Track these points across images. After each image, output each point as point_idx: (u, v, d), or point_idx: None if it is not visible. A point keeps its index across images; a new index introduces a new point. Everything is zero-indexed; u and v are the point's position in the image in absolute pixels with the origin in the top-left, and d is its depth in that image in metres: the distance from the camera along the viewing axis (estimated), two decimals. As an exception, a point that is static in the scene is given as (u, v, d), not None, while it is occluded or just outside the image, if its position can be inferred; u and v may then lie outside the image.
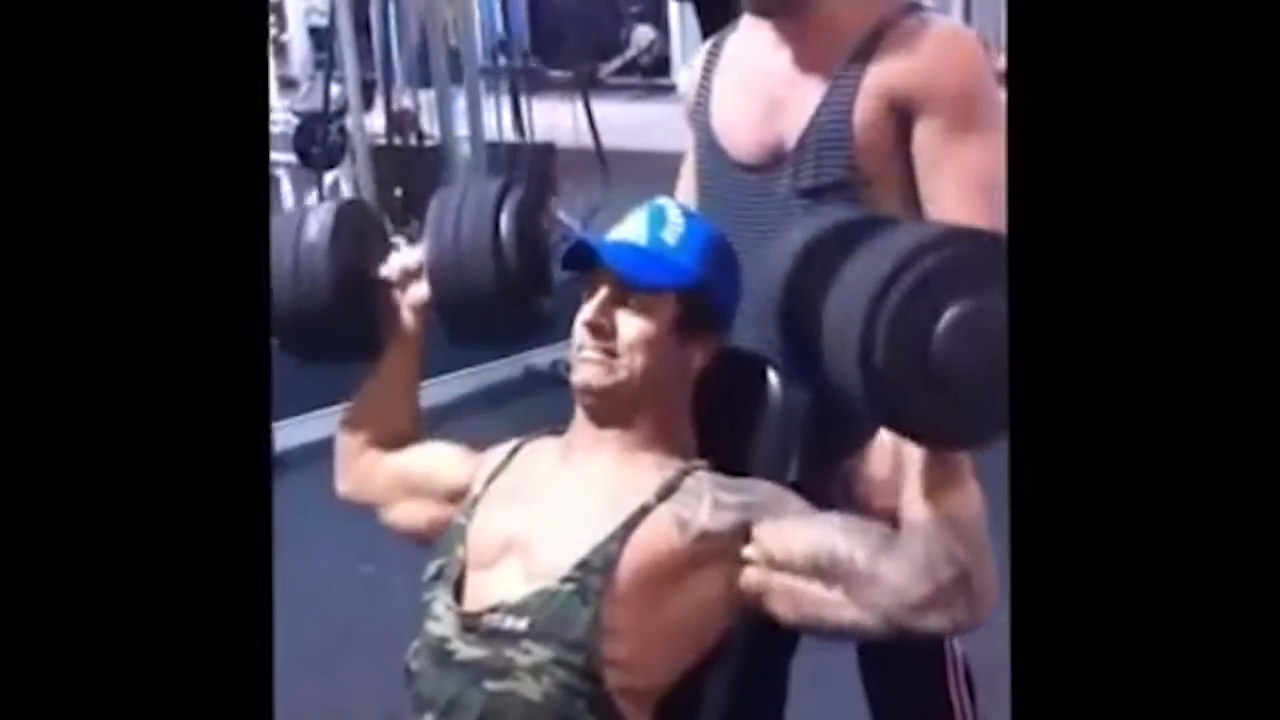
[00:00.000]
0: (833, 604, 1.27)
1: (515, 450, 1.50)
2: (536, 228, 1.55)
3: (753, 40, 1.64)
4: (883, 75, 1.52)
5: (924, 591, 1.22)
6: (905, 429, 1.21)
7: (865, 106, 1.52)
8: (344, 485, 1.65)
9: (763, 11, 1.59)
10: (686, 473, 1.38)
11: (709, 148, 1.68)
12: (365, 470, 1.62)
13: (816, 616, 1.29)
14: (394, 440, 1.61)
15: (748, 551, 1.32)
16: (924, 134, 1.51)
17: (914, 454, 1.25)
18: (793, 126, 1.57)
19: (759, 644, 1.60)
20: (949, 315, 1.12)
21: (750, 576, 1.32)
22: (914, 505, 1.24)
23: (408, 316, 1.57)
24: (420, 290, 1.54)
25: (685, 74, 1.76)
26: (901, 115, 1.51)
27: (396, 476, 1.59)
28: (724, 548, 1.33)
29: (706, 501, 1.34)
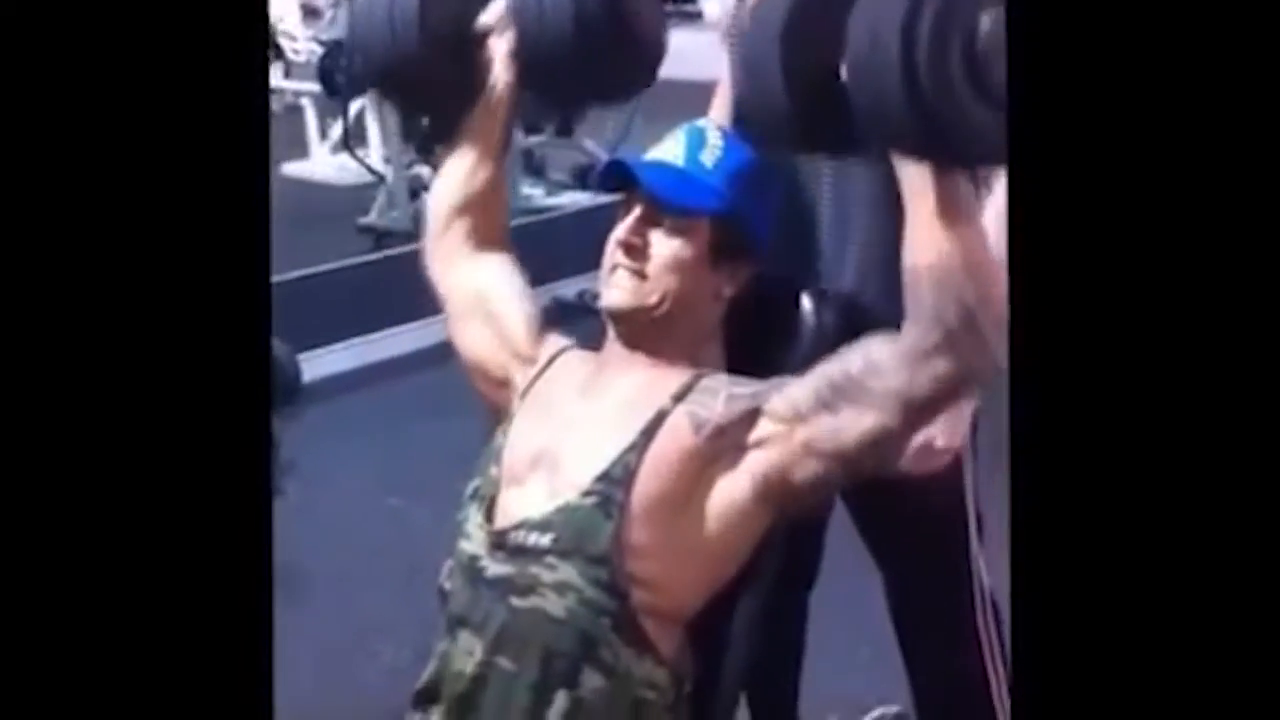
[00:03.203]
0: (846, 425, 1.25)
1: (552, 359, 1.48)
2: None
3: None
4: None
5: (932, 340, 1.20)
6: (950, 144, 1.14)
7: None
8: (431, 263, 1.60)
9: None
10: (702, 375, 1.37)
11: (739, 62, 1.64)
12: (450, 254, 1.57)
13: (837, 449, 1.26)
14: (481, 210, 1.57)
15: (759, 430, 1.30)
16: None
17: (921, 193, 1.20)
18: None
19: (777, 577, 1.60)
20: (993, 12, 1.07)
21: (769, 455, 1.30)
22: (919, 246, 1.20)
23: (500, 69, 1.54)
24: (510, 39, 1.53)
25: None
26: None
27: (477, 294, 1.54)
28: (738, 438, 1.31)
29: (721, 396, 1.33)
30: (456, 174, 1.58)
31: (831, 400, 1.26)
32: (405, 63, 1.53)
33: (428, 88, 1.59)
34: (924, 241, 1.20)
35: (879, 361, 1.23)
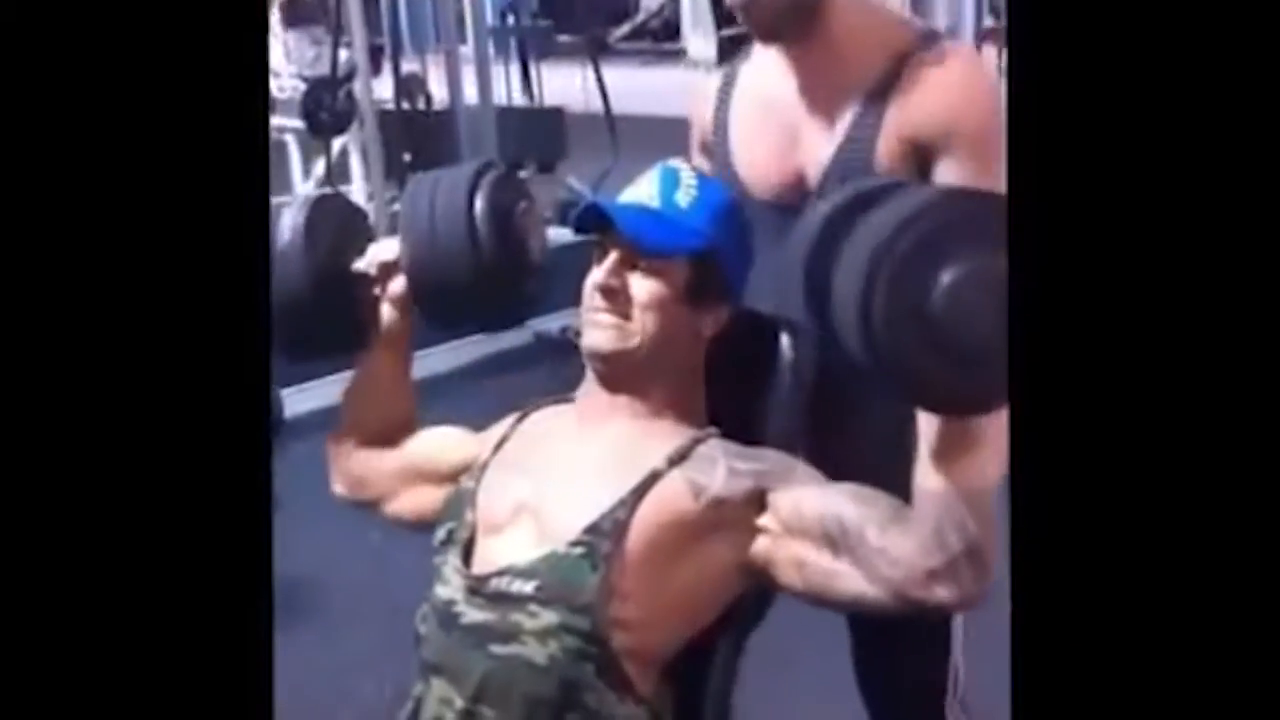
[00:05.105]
0: (841, 575, 1.26)
1: (520, 419, 1.49)
2: (512, 211, 1.48)
3: (766, 68, 1.59)
4: (905, 115, 1.48)
5: (934, 563, 1.20)
6: (909, 394, 1.18)
7: (888, 147, 1.48)
8: (339, 486, 1.61)
9: (768, 37, 1.54)
10: (699, 440, 1.37)
11: (728, 182, 1.63)
12: (360, 468, 1.58)
13: (824, 586, 1.28)
14: (387, 434, 1.57)
15: (763, 520, 1.31)
16: (944, 172, 1.47)
17: (927, 420, 1.22)
18: (813, 163, 1.53)
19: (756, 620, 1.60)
20: (948, 274, 1.10)
21: (761, 545, 1.32)
22: (926, 473, 1.22)
23: (389, 310, 1.53)
24: (400, 283, 1.50)
25: (698, 105, 1.69)
26: (923, 155, 1.48)
27: (396, 469, 1.56)
28: (738, 516, 1.32)
29: (721, 468, 1.33)
30: (358, 416, 1.59)
31: (838, 544, 1.26)
32: (290, 315, 1.45)
33: (314, 337, 1.53)
34: (926, 468, 1.22)
35: (892, 546, 1.23)
